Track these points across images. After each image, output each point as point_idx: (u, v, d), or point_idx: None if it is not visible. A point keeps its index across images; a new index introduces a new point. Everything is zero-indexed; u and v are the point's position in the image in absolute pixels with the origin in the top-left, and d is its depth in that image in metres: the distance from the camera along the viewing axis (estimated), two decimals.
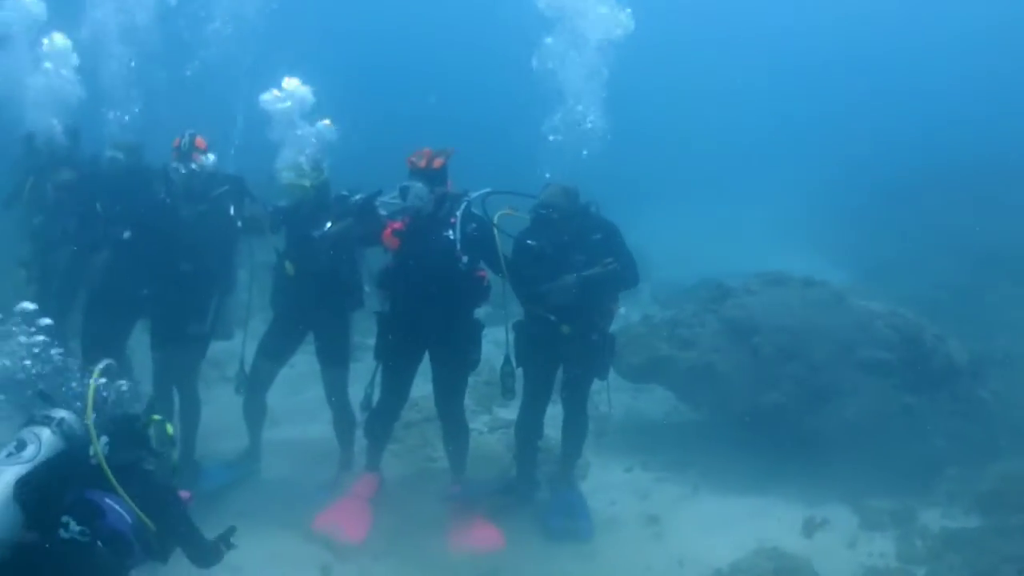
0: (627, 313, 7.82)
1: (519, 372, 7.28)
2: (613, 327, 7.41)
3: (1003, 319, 12.43)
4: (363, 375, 7.45)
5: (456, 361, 7.10)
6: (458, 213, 6.71)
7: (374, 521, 7.05)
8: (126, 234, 7.23)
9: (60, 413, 4.79)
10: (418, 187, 6.62)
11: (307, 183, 7.12)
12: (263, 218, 7.46)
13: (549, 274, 6.83)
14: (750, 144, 27.45)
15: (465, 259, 6.69)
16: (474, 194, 6.85)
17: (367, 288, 7.49)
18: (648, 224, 17.36)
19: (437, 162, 6.67)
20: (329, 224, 7.11)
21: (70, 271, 8.39)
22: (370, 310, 7.40)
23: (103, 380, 4.97)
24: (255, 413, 7.80)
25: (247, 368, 7.64)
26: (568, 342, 6.99)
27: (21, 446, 4.51)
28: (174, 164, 7.19)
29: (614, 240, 6.98)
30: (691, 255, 17.26)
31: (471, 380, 9.18)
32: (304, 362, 8.57)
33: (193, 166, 7.18)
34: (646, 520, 7.62)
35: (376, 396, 7.19)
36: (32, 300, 8.45)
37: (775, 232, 20.51)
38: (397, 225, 6.71)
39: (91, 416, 4.71)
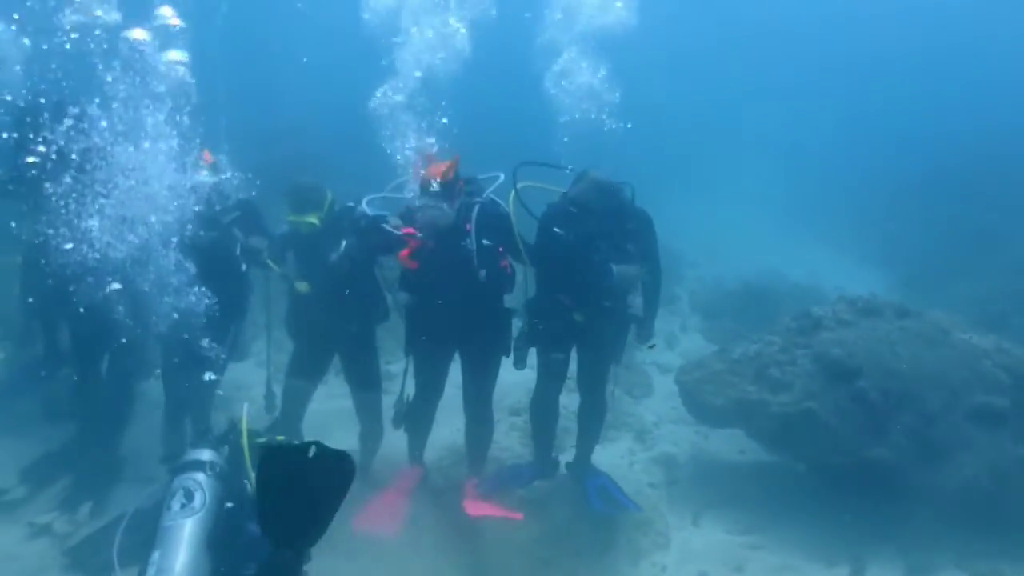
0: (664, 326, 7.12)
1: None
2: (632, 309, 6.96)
3: None
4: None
5: (486, 350, 6.88)
6: (473, 216, 6.48)
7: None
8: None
9: (204, 455, 5.16)
10: (441, 209, 6.35)
11: (315, 220, 6.71)
12: (263, 249, 7.04)
13: (573, 262, 6.54)
14: (767, 140, 26.24)
15: (484, 272, 6.46)
16: (486, 192, 6.66)
17: (389, 297, 7.08)
18: (667, 219, 16.39)
19: (450, 174, 6.36)
20: (344, 243, 6.75)
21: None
22: (394, 323, 7.18)
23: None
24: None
25: (274, 389, 7.39)
26: (582, 327, 6.75)
27: (189, 496, 4.83)
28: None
29: (645, 234, 6.76)
30: (718, 252, 16.23)
31: (519, 421, 8.28)
32: (323, 395, 7.79)
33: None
34: None
35: (407, 400, 7.02)
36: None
37: (796, 229, 19.54)
38: (413, 242, 6.38)
39: (248, 455, 5.08)
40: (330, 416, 7.98)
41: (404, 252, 6.36)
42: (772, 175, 22.91)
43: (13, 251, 8.85)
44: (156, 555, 4.63)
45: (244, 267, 7.02)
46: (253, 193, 7.18)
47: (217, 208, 6.85)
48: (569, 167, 6.75)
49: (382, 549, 6.28)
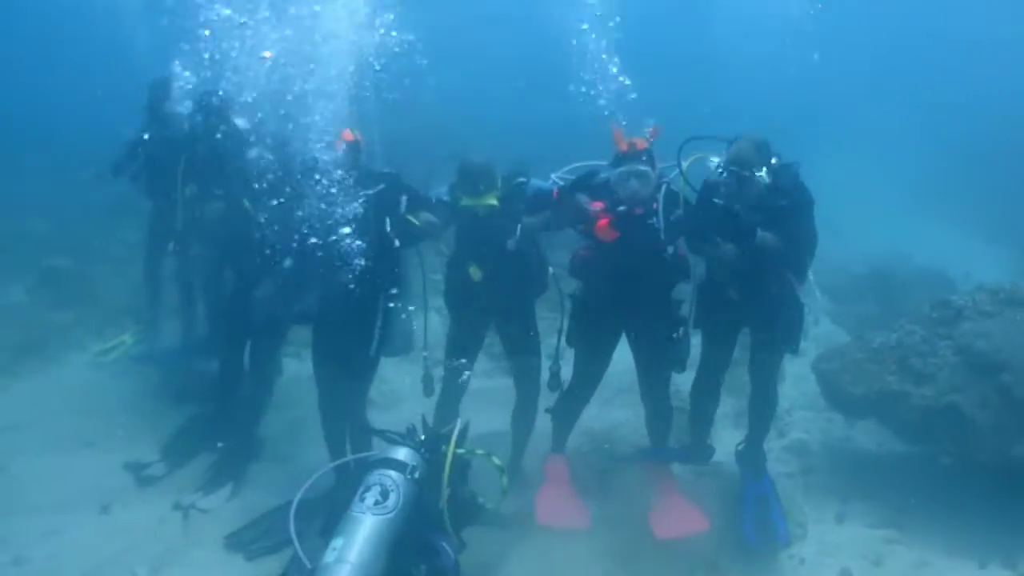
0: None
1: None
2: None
3: None
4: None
5: (659, 342, 6.73)
6: (659, 197, 6.40)
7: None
8: (287, 262, 6.42)
9: (401, 454, 5.43)
10: (646, 171, 6.30)
11: (494, 201, 6.54)
12: (434, 222, 6.70)
13: (725, 231, 6.27)
14: (878, 107, 25.10)
15: (671, 249, 6.45)
16: (671, 174, 6.53)
17: (551, 270, 7.09)
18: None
19: (652, 142, 6.40)
20: (520, 225, 6.64)
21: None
22: (553, 296, 7.14)
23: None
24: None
25: (431, 371, 7.17)
26: (744, 306, 6.56)
27: (385, 494, 5.11)
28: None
29: (800, 212, 6.30)
30: (841, 228, 15.81)
31: None
32: None
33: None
34: None
35: (562, 374, 7.12)
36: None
37: (923, 208, 18.86)
38: (606, 217, 6.26)
39: (447, 475, 5.32)
40: (476, 396, 8.06)
41: (603, 222, 6.23)
42: (903, 149, 22.02)
43: (160, 236, 9.27)
44: (339, 541, 4.88)
45: (396, 244, 6.58)
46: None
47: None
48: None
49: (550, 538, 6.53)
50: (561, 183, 6.77)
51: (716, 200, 6.28)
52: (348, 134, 6.56)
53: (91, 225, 14.23)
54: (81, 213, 14.48)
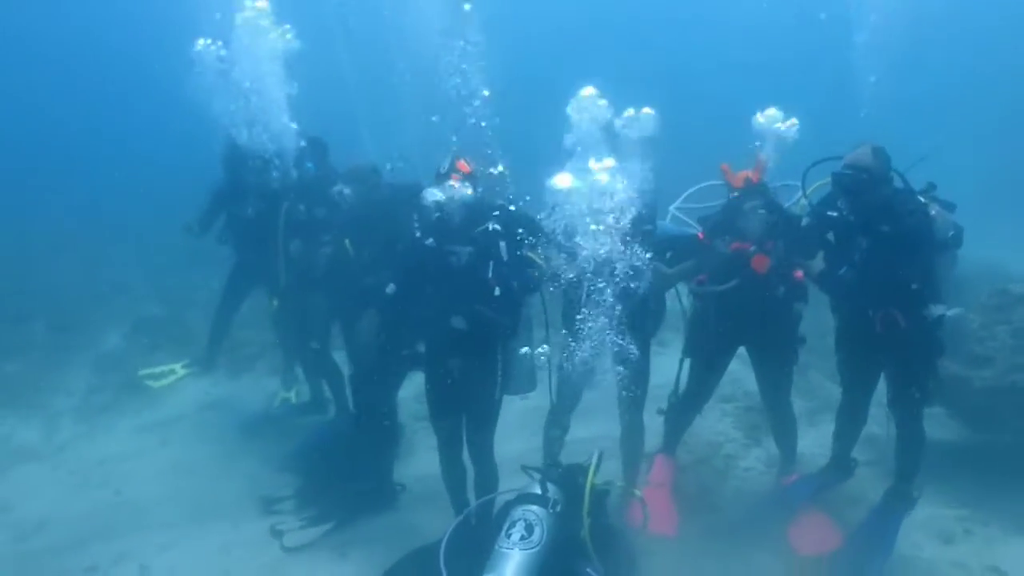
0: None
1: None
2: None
3: None
4: None
5: (778, 356, 7.01)
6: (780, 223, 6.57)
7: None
8: (390, 288, 6.20)
9: (548, 490, 5.56)
10: (767, 204, 6.54)
11: None
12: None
13: (847, 248, 6.22)
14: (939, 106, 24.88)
15: (782, 289, 6.65)
16: (791, 199, 6.79)
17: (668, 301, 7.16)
18: None
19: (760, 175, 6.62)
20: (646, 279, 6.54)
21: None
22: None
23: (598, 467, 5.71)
24: (556, 441, 7.23)
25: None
26: (885, 336, 6.20)
27: (530, 530, 5.27)
28: (430, 192, 5.97)
29: (911, 244, 5.89)
30: None
31: (729, 407, 9.05)
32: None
33: (449, 193, 5.93)
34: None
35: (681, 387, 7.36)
36: (279, 330, 9.29)
37: (982, 205, 18.77)
38: (761, 254, 6.52)
39: (587, 507, 5.42)
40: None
41: (761, 258, 6.45)
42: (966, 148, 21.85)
43: (239, 287, 9.59)
44: None
45: (497, 292, 6.00)
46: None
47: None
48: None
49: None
50: (698, 227, 6.92)
51: (831, 213, 6.21)
52: (464, 165, 6.18)
53: (179, 275, 14.98)
54: (170, 263, 15.23)
